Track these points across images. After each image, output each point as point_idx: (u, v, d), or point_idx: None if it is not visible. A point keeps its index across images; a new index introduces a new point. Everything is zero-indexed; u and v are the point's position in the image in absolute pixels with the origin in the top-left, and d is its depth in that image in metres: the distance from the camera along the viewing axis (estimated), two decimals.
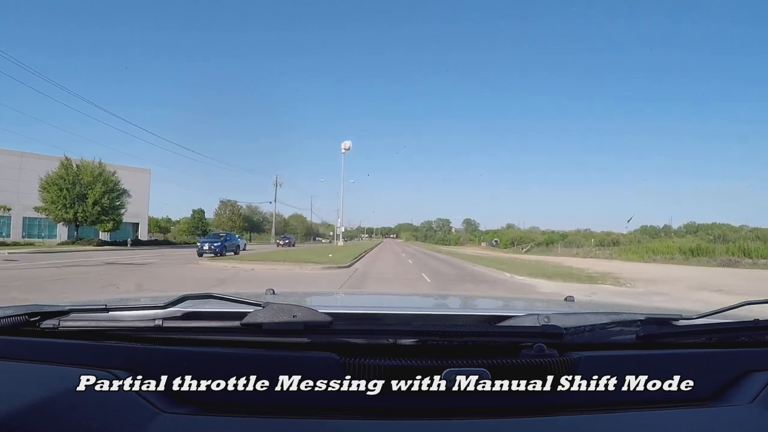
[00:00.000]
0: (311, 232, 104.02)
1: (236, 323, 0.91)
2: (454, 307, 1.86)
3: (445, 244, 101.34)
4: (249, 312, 0.91)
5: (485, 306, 2.02)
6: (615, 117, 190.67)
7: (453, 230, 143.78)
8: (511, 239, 79.73)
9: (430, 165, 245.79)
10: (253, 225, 78.06)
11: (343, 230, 51.38)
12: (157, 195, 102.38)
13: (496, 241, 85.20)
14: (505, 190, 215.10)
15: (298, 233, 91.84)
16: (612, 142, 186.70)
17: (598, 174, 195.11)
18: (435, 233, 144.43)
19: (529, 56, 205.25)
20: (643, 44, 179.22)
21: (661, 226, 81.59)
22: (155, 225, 65.59)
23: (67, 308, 0.95)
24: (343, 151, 50.13)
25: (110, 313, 0.96)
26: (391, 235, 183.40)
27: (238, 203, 71.20)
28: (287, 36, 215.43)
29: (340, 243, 49.88)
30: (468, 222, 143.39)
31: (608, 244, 52.41)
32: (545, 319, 0.95)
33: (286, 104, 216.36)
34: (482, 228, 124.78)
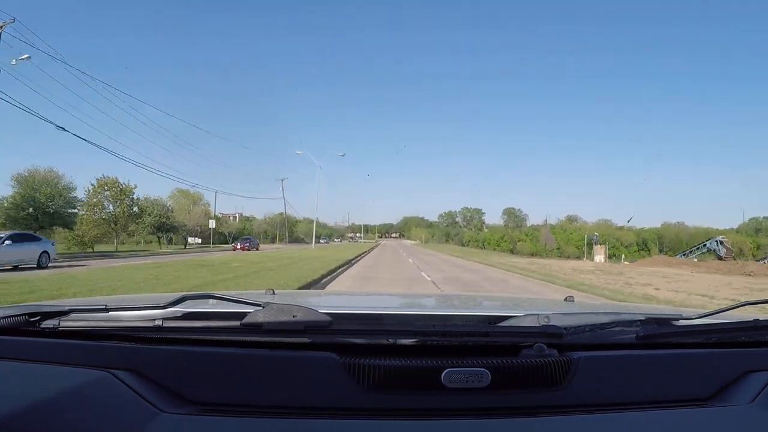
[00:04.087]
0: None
1: (236, 323, 0.91)
2: (454, 307, 1.86)
3: (480, 248, 65.85)
4: (249, 312, 0.91)
5: (485, 306, 2.02)
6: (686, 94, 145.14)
7: (484, 226, 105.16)
8: (582, 238, 57.98)
9: (440, 148, 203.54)
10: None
11: None
12: None
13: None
14: (544, 176, 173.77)
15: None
16: (685, 125, 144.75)
17: (677, 157, 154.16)
18: (461, 230, 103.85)
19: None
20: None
21: None
22: None
23: (67, 308, 0.96)
24: None
25: (110, 313, 0.96)
26: (393, 235, 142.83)
27: None
28: (280, 20, 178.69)
29: None
30: (510, 213, 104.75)
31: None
32: (545, 319, 0.96)
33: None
34: (529, 222, 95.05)
